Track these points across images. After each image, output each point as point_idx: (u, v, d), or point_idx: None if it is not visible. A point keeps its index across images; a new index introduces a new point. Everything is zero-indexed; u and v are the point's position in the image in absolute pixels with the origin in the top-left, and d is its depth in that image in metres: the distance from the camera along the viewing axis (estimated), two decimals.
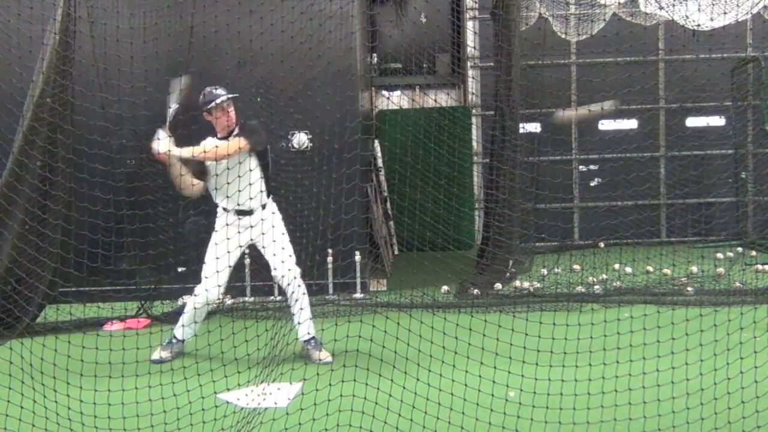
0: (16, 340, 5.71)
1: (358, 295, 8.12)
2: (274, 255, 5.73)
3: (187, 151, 5.55)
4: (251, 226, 5.73)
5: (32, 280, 6.49)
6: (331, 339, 5.36)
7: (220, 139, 5.78)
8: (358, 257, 8.02)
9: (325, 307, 7.59)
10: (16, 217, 6.51)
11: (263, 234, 5.70)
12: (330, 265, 8.03)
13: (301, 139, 8.22)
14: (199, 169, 5.75)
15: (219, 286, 5.75)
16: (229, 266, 5.77)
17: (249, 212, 5.74)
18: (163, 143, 5.48)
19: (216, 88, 5.78)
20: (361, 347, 4.98)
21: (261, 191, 5.74)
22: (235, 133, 5.77)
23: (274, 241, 5.69)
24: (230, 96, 5.77)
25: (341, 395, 4.46)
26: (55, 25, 6.73)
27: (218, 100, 5.69)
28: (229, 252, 5.70)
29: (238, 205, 5.71)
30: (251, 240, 5.81)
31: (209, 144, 5.71)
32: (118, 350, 5.22)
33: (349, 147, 7.79)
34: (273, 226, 5.71)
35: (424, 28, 12.02)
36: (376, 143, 11.03)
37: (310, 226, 7.51)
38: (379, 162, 11.03)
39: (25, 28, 6.94)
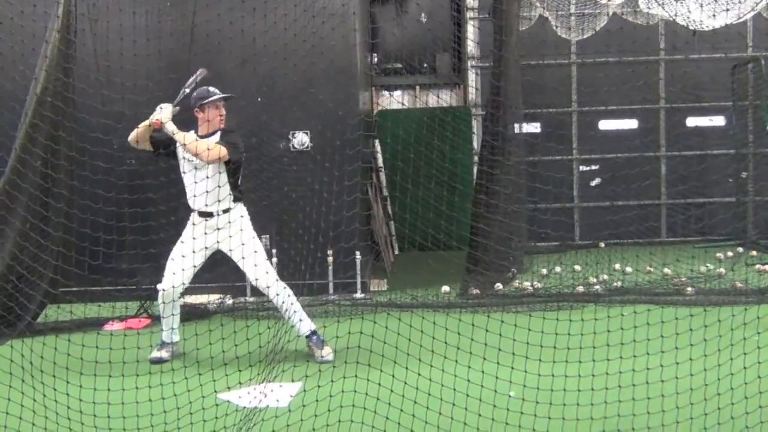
0: (17, 339, 5.70)
1: (358, 295, 8.11)
2: (243, 258, 5.78)
3: (180, 135, 5.70)
4: (218, 229, 5.79)
5: (34, 278, 6.48)
6: (333, 336, 5.35)
7: (201, 137, 5.83)
8: (358, 257, 8.01)
9: (326, 307, 7.58)
10: (18, 215, 6.51)
11: (230, 237, 5.75)
12: (330, 265, 8.01)
13: (301, 139, 8.21)
14: (163, 140, 5.88)
15: (183, 283, 5.82)
16: (194, 266, 5.83)
17: (209, 214, 5.81)
18: (165, 113, 5.68)
19: (210, 88, 5.92)
20: (362, 344, 4.98)
21: (228, 194, 5.81)
22: (217, 139, 5.81)
23: (243, 244, 5.73)
24: (225, 96, 5.92)
25: (342, 391, 4.46)
26: (57, 23, 6.73)
27: (213, 98, 5.82)
28: (194, 252, 5.75)
29: (205, 206, 5.81)
30: (217, 243, 5.83)
31: (194, 138, 5.78)
32: (118, 350, 5.21)
33: (350, 146, 7.79)
34: (241, 229, 5.75)
35: (425, 27, 12.02)
36: (377, 142, 11.02)
37: (311, 225, 7.52)
38: (380, 161, 11.02)
39: (27, 25, 6.94)
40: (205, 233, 5.82)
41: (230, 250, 5.83)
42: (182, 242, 5.86)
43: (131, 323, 7.17)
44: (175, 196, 7.48)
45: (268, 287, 5.76)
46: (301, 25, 7.67)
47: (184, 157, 5.89)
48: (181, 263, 5.75)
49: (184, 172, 5.90)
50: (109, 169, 7.23)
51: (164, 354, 5.94)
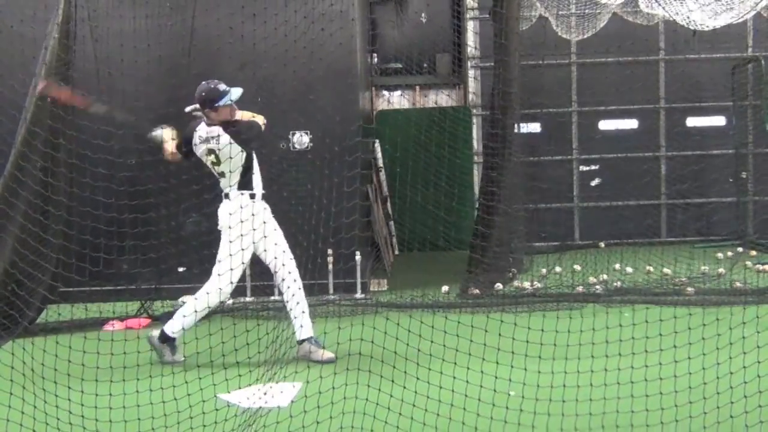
0: (16, 342, 5.72)
1: (358, 295, 8.13)
2: (276, 245, 5.73)
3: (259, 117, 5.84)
4: (253, 215, 5.64)
5: (32, 284, 6.49)
6: (334, 341, 5.37)
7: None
8: (358, 258, 8.02)
9: (326, 308, 7.59)
10: (16, 221, 6.51)
11: (265, 223, 5.72)
12: (330, 266, 8.03)
13: (301, 140, 8.23)
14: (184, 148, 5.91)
15: (231, 282, 5.70)
16: (243, 263, 5.71)
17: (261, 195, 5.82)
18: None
19: (218, 84, 5.71)
20: (363, 349, 5.00)
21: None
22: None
23: (275, 230, 5.76)
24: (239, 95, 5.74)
25: (345, 397, 4.47)
26: (56, 28, 6.74)
27: (229, 101, 5.67)
28: (243, 249, 5.61)
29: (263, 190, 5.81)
30: (253, 230, 5.66)
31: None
32: (119, 352, 5.22)
33: (350, 148, 7.80)
34: (264, 222, 5.72)
35: (425, 28, 12.03)
36: (377, 143, 11.04)
37: (311, 226, 7.54)
38: (380, 162, 11.03)
39: (27, 30, 6.96)
40: (254, 228, 5.65)
41: (264, 236, 5.74)
42: (230, 242, 5.65)
43: (131, 323, 7.19)
44: (175, 200, 7.51)
45: (293, 278, 5.72)
46: (301, 30, 7.68)
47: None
48: (232, 261, 5.61)
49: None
50: (109, 175, 7.24)
51: (177, 356, 5.86)
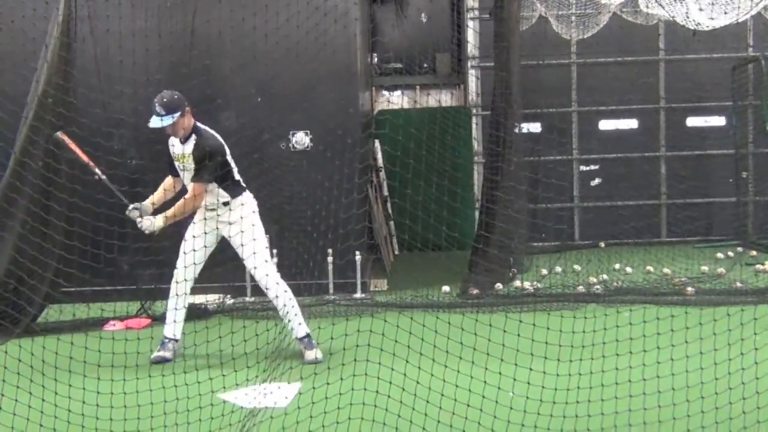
0: (16, 341, 5.72)
1: (358, 295, 8.13)
2: (242, 245, 5.78)
3: (169, 218, 5.73)
4: (218, 215, 5.83)
5: (33, 281, 6.50)
6: (328, 338, 5.37)
7: (181, 142, 5.83)
8: (358, 257, 8.03)
9: (325, 307, 7.60)
10: (18, 218, 6.52)
11: (230, 224, 5.79)
12: (330, 265, 8.03)
13: (300, 139, 8.23)
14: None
15: (186, 280, 5.87)
16: (194, 250, 5.82)
17: (213, 209, 5.86)
18: (147, 224, 5.73)
19: (157, 105, 5.69)
20: (363, 349, 4.99)
21: (219, 196, 5.81)
22: (193, 141, 5.78)
23: (242, 231, 5.74)
24: (165, 124, 5.67)
25: (340, 393, 4.47)
26: (57, 27, 6.74)
27: (158, 126, 5.68)
28: (194, 236, 5.81)
29: (205, 204, 5.87)
30: (217, 229, 5.87)
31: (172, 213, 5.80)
32: (119, 351, 5.23)
33: (350, 147, 7.81)
34: (242, 217, 5.75)
35: (425, 28, 12.04)
36: (376, 143, 11.04)
37: (311, 226, 7.54)
38: (379, 162, 11.03)
39: (28, 28, 6.95)
40: (205, 218, 5.85)
41: (230, 236, 5.85)
42: (185, 240, 5.90)
43: (131, 323, 7.19)
44: (174, 198, 7.49)
45: (259, 280, 5.82)
46: (302, 30, 7.68)
47: (174, 162, 5.93)
48: (183, 259, 5.84)
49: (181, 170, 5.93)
50: (110, 172, 7.24)
51: (167, 353, 5.92)
